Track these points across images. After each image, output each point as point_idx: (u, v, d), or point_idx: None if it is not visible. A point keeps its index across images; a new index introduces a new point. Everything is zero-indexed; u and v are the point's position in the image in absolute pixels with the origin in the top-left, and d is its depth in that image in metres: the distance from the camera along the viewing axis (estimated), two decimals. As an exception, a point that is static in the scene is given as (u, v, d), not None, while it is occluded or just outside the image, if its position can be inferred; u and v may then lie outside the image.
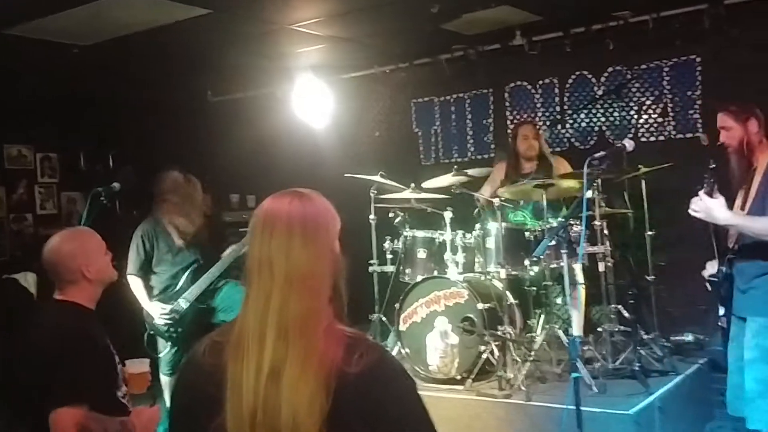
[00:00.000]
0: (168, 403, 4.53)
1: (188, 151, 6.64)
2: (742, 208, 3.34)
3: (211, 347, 1.56)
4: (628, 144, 4.13)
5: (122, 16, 5.06)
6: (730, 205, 3.33)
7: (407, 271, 5.13)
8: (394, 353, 4.86)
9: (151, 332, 4.92)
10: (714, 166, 3.33)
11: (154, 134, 6.85)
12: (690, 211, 3.28)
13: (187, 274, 4.94)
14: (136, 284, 4.90)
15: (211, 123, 7.40)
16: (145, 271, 4.93)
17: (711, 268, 3.54)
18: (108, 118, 6.73)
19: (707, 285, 3.57)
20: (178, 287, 4.92)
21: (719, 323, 3.60)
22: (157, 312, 4.85)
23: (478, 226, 4.97)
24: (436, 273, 4.96)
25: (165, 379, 4.97)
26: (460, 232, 4.99)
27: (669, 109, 5.80)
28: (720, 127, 3.45)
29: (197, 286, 4.91)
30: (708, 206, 3.20)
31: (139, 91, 6.55)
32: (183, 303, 4.88)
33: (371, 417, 1.44)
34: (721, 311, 3.53)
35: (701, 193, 3.24)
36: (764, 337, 3.13)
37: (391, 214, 5.33)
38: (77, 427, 2.51)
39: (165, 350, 4.94)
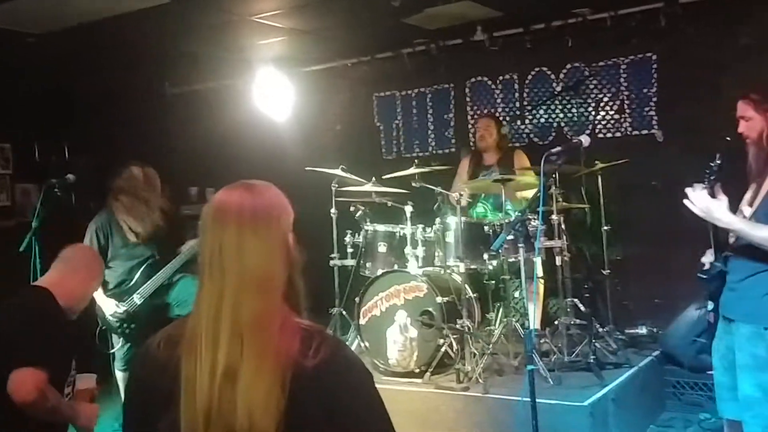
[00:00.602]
0: (122, 398, 4.48)
1: (146, 143, 6.54)
2: (750, 205, 3.18)
3: (165, 340, 1.54)
4: (585, 140, 4.16)
5: (79, 5, 4.96)
6: (740, 198, 3.21)
7: (368, 265, 5.14)
8: (353, 347, 4.87)
9: (104, 327, 4.85)
10: (719, 162, 3.13)
11: (111, 125, 6.72)
12: (685, 201, 3.09)
13: (142, 269, 4.87)
14: None
15: (170, 114, 7.29)
16: None
17: (709, 256, 3.34)
18: (64, 108, 6.59)
19: (699, 277, 3.45)
20: (132, 282, 4.85)
21: (708, 318, 3.52)
22: (110, 308, 4.78)
23: (438, 220, 5.00)
24: (396, 267, 4.98)
25: (120, 375, 4.91)
26: (420, 226, 5.01)
27: (625, 106, 5.91)
28: (739, 116, 3.18)
29: (152, 282, 4.84)
30: (708, 207, 3.05)
31: (95, 82, 6.43)
32: (137, 299, 4.81)
33: (328, 408, 1.44)
34: (710, 306, 3.43)
35: (702, 191, 3.05)
36: (755, 344, 3.05)
37: (352, 208, 5.32)
38: (38, 390, 2.54)
39: (118, 345, 4.87)
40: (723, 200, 3.10)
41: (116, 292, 4.84)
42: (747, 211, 3.17)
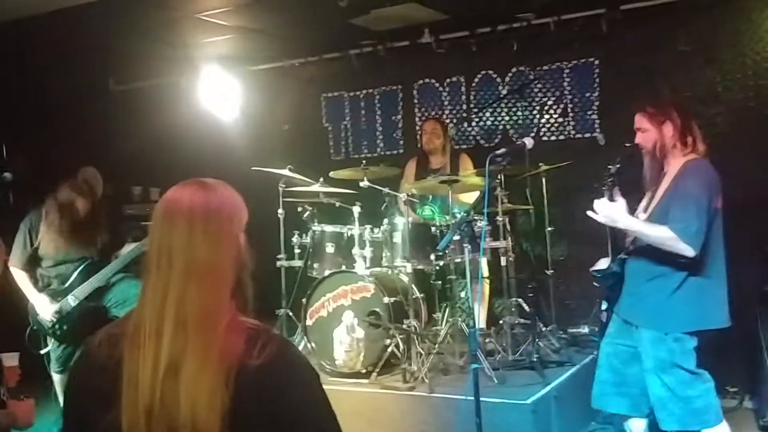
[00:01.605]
0: (61, 401, 4.37)
1: (89, 141, 6.40)
2: (645, 211, 3.37)
3: (106, 340, 1.52)
4: (528, 142, 4.24)
5: (17, -1, 4.83)
6: (637, 206, 3.39)
7: (315, 265, 5.13)
8: (300, 348, 4.85)
9: (35, 327, 4.72)
10: (616, 166, 3.32)
11: (52, 123, 6.55)
12: (589, 212, 3.28)
13: (79, 270, 4.76)
14: (20, 277, 4.70)
15: (114, 112, 7.14)
16: (28, 264, 4.73)
17: (601, 264, 3.57)
18: (1, 105, 6.40)
19: (592, 275, 3.59)
20: (68, 284, 4.74)
21: (600, 317, 3.69)
22: (44, 307, 4.66)
23: (385, 220, 5.03)
24: (344, 267, 4.98)
25: (56, 377, 4.79)
26: (368, 227, 5.03)
27: (569, 110, 6.02)
28: (636, 128, 3.41)
29: (88, 284, 4.73)
30: (609, 212, 3.22)
31: (36, 78, 6.25)
32: (72, 300, 4.70)
33: (273, 407, 1.44)
34: (604, 305, 3.61)
35: (603, 199, 3.24)
36: (658, 348, 3.23)
37: (299, 209, 5.31)
38: None
39: (50, 346, 4.75)
40: (621, 203, 3.26)
41: (50, 292, 4.72)
42: (642, 217, 3.37)
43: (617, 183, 3.29)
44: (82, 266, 4.78)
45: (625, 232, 3.38)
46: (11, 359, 2.87)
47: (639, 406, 3.40)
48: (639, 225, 3.25)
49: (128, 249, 4.83)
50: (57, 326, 4.69)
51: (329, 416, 1.52)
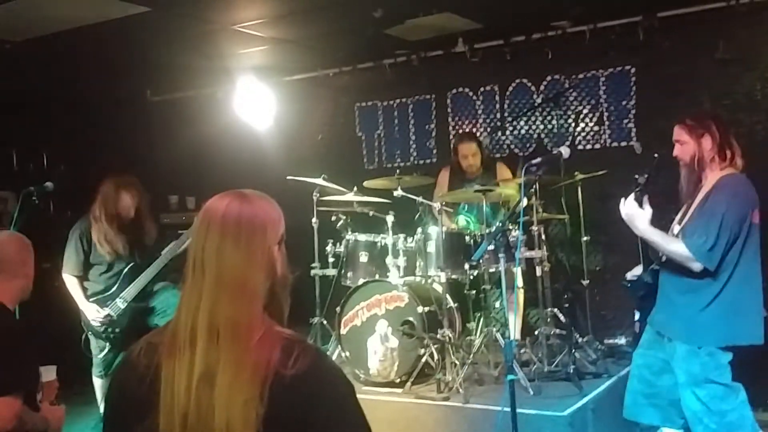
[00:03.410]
0: (101, 405, 4.44)
1: (127, 151, 6.52)
2: (679, 223, 3.36)
3: (145, 349, 1.54)
4: (565, 151, 4.21)
5: (58, 12, 4.93)
6: (672, 219, 3.39)
7: (349, 274, 5.14)
8: (334, 357, 4.86)
9: (89, 333, 4.82)
10: (647, 176, 3.33)
11: (91, 133, 6.69)
12: (620, 206, 3.31)
13: (124, 273, 4.85)
14: (72, 284, 4.80)
15: (151, 123, 7.26)
16: (83, 271, 4.82)
17: (634, 273, 3.57)
18: (43, 116, 6.54)
19: (622, 285, 3.60)
20: (115, 287, 4.83)
21: (634, 328, 3.67)
22: (93, 313, 4.74)
23: (419, 230, 5.02)
24: (377, 276, 4.98)
25: (98, 382, 4.87)
26: (401, 236, 5.02)
27: (605, 118, 5.96)
28: (675, 140, 3.40)
29: (134, 285, 4.82)
30: (631, 214, 3.25)
31: (75, 89, 6.39)
32: (120, 303, 4.79)
33: (306, 418, 1.44)
34: (636, 316, 3.59)
35: (630, 197, 3.27)
36: (690, 362, 3.21)
37: (333, 218, 5.32)
38: (15, 418, 2.53)
39: (105, 351, 4.83)
40: (647, 211, 3.26)
41: (99, 298, 4.81)
42: (676, 229, 3.36)
43: (646, 193, 3.30)
44: (127, 269, 4.86)
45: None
46: (49, 373, 2.91)
47: (671, 417, 3.39)
48: (654, 236, 3.27)
49: (166, 249, 4.90)
50: (109, 330, 4.78)
51: (362, 428, 1.51)
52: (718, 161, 3.29)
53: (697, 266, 3.13)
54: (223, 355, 1.44)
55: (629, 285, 3.56)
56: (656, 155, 3.46)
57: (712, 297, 3.20)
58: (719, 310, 3.20)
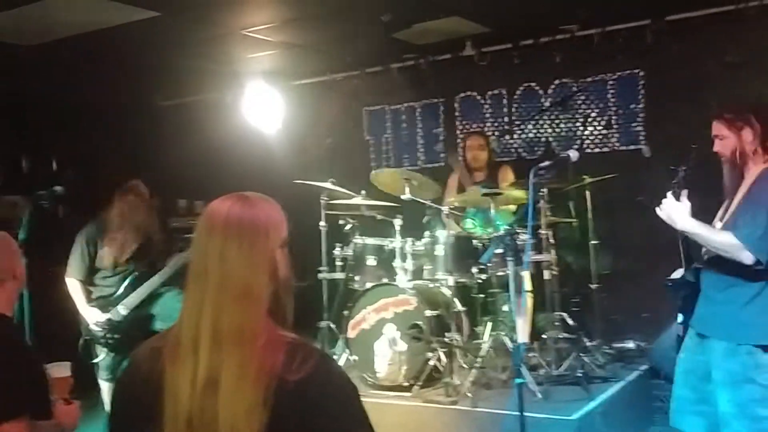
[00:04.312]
0: (107, 409, 4.45)
1: (135, 155, 6.55)
2: (721, 219, 3.24)
3: (149, 353, 1.55)
4: (573, 154, 4.17)
5: (69, 17, 4.96)
6: (714, 214, 3.26)
7: (356, 278, 5.14)
8: (342, 361, 4.86)
9: (87, 338, 4.82)
10: (684, 168, 3.21)
11: (100, 137, 6.72)
12: (657, 209, 3.17)
13: (128, 280, 4.85)
14: (75, 288, 4.80)
15: (160, 127, 7.29)
16: (86, 275, 4.83)
17: (677, 274, 3.42)
18: (52, 120, 6.58)
19: (665, 285, 3.44)
20: (118, 293, 4.83)
21: (677, 331, 3.54)
22: (93, 319, 4.75)
23: (427, 233, 5.01)
24: (385, 280, 4.98)
25: (104, 385, 4.87)
26: (409, 240, 5.02)
27: (613, 122, 5.95)
28: (714, 135, 3.26)
29: (137, 293, 4.82)
30: (670, 209, 3.12)
31: (85, 93, 6.42)
32: (122, 310, 4.79)
33: (312, 423, 1.44)
34: (679, 319, 3.46)
35: (670, 197, 3.13)
36: (729, 361, 3.08)
37: (341, 221, 5.32)
38: None
39: (102, 356, 4.84)
40: (686, 205, 3.13)
41: (102, 303, 4.82)
42: (718, 225, 3.23)
43: (684, 187, 3.16)
44: (132, 276, 4.87)
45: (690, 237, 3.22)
46: (63, 369, 2.88)
47: (716, 427, 3.18)
48: (699, 228, 3.11)
49: (173, 260, 4.91)
50: (109, 336, 4.78)
51: (368, 426, 1.51)
52: (761, 153, 3.16)
53: (747, 256, 2.96)
54: (227, 360, 1.43)
55: (671, 285, 3.45)
56: (694, 146, 3.32)
57: (754, 293, 3.06)
58: (760, 306, 3.06)
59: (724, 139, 3.22)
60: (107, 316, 4.77)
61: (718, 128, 3.25)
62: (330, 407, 1.46)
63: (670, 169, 3.23)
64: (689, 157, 3.28)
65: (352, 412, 1.50)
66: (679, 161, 3.35)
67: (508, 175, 5.63)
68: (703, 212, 3.24)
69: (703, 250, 3.28)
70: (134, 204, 4.88)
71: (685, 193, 3.16)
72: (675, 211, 3.12)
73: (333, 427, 1.46)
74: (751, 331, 3.08)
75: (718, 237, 3.07)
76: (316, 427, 1.44)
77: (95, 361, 4.84)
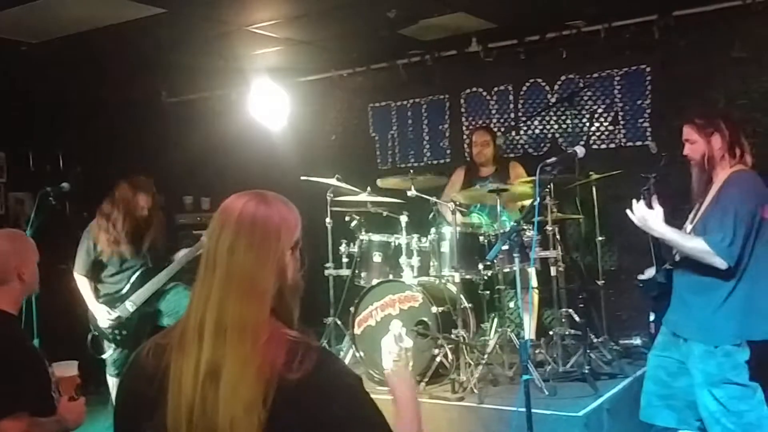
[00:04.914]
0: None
1: (142, 152, 6.55)
2: (691, 222, 3.35)
3: (154, 349, 1.55)
4: (579, 151, 4.18)
5: (74, 14, 4.96)
6: (686, 218, 3.37)
7: (363, 274, 5.14)
8: (348, 357, 4.87)
9: (96, 333, 4.84)
10: (655, 175, 3.33)
11: (107, 134, 6.73)
12: (628, 212, 3.29)
13: (135, 276, 4.87)
14: (83, 284, 4.82)
15: (166, 124, 7.30)
16: (93, 271, 4.84)
17: (648, 273, 3.55)
18: (58, 117, 6.60)
19: (637, 285, 3.58)
20: (125, 290, 4.85)
21: (649, 329, 3.65)
22: (102, 315, 4.77)
23: (433, 230, 5.01)
24: (391, 277, 4.98)
25: (112, 381, 4.90)
26: (415, 236, 5.02)
27: (620, 118, 5.93)
28: (684, 139, 3.39)
29: (145, 289, 4.84)
30: (644, 216, 3.22)
31: (91, 90, 6.44)
32: (129, 306, 4.81)
33: (318, 419, 1.44)
34: (652, 317, 3.57)
35: (641, 203, 3.24)
36: (706, 363, 3.19)
37: (347, 218, 5.32)
38: None
39: (110, 351, 4.86)
40: (658, 211, 3.23)
41: (110, 299, 4.84)
42: (689, 228, 3.34)
43: (654, 192, 3.28)
44: (139, 272, 4.88)
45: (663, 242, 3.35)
46: (70, 368, 2.89)
47: (687, 420, 3.36)
48: (673, 234, 3.23)
49: (180, 254, 4.92)
50: (117, 332, 4.80)
51: (377, 416, 1.50)
52: (728, 159, 3.28)
53: (719, 261, 3.10)
54: (230, 352, 1.44)
55: (642, 285, 3.54)
56: (663, 154, 3.46)
57: (726, 295, 3.18)
58: (733, 307, 3.18)
59: (694, 144, 3.34)
60: (116, 313, 4.79)
61: (688, 133, 3.37)
62: (336, 402, 1.46)
63: (641, 176, 3.33)
64: (659, 164, 3.38)
65: (359, 402, 1.50)
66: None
67: (518, 171, 5.62)
68: (677, 215, 3.34)
69: (674, 251, 3.38)
70: (141, 200, 4.88)
71: (655, 198, 3.26)
72: (650, 218, 3.21)
73: (343, 419, 1.46)
74: (726, 332, 3.20)
75: (690, 243, 3.19)
76: (325, 423, 1.44)
77: (104, 356, 4.87)
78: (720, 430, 3.16)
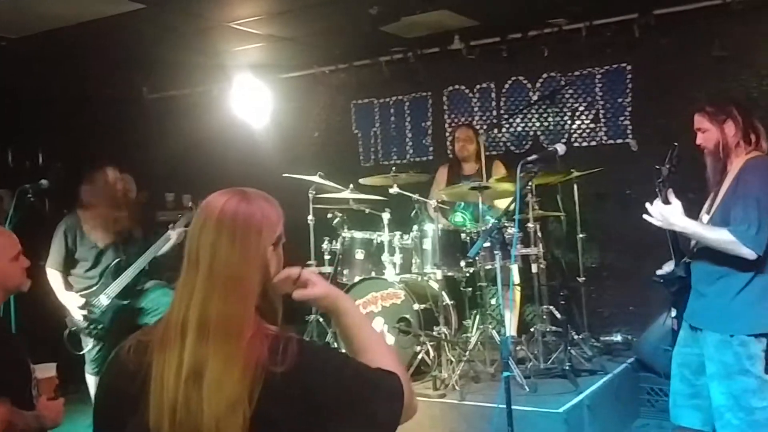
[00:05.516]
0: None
1: (123, 149, 6.49)
2: (708, 212, 3.25)
3: (135, 346, 1.54)
4: (560, 148, 4.15)
5: (54, 9, 4.91)
6: (701, 207, 3.29)
7: (345, 271, 5.14)
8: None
9: (73, 329, 4.80)
10: (666, 167, 3.20)
11: (87, 131, 6.67)
12: (645, 216, 3.19)
13: (109, 270, 4.83)
14: (54, 278, 4.78)
15: (147, 120, 7.25)
16: (67, 266, 4.81)
17: (666, 268, 3.43)
18: (38, 113, 6.53)
19: (653, 281, 3.46)
20: (99, 284, 4.81)
21: (671, 326, 3.54)
22: (74, 306, 4.73)
23: (415, 227, 5.02)
24: (373, 274, 4.98)
25: (91, 379, 4.86)
26: (397, 234, 5.02)
27: (601, 116, 5.97)
28: (696, 128, 3.26)
29: (119, 281, 4.80)
30: (664, 214, 3.13)
31: (71, 86, 6.38)
32: (104, 299, 4.77)
33: (313, 405, 1.44)
34: (673, 313, 3.45)
35: (657, 202, 3.15)
36: (723, 353, 3.10)
37: (329, 215, 5.32)
38: (4, 424, 2.48)
39: (88, 348, 4.82)
40: (676, 205, 3.14)
41: (84, 294, 4.80)
42: (705, 218, 3.25)
43: (669, 184, 3.17)
44: (112, 265, 4.84)
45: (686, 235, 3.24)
46: (48, 370, 2.88)
47: (711, 421, 3.20)
48: (697, 227, 3.14)
49: (156, 244, 4.88)
50: (92, 326, 4.76)
51: (367, 389, 1.50)
52: (743, 146, 3.17)
53: (746, 252, 2.98)
54: (213, 351, 1.44)
55: (661, 281, 3.45)
56: (675, 144, 3.33)
57: (744, 283, 3.09)
58: (751, 297, 3.08)
59: (707, 132, 3.24)
60: (90, 306, 4.75)
61: (700, 121, 3.27)
62: (328, 383, 1.46)
63: (655, 168, 3.23)
64: (672, 155, 3.28)
65: (351, 375, 1.50)
66: (664, 157, 3.36)
67: (500, 170, 5.64)
68: (690, 206, 3.27)
69: (692, 242, 3.30)
70: (103, 188, 4.84)
71: (671, 192, 3.16)
72: (669, 213, 3.12)
73: (341, 397, 1.46)
74: (743, 322, 3.10)
75: (715, 235, 3.08)
76: (322, 407, 1.44)
77: (82, 352, 4.82)
78: (723, 425, 3.07)
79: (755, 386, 3.07)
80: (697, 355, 3.25)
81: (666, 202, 3.16)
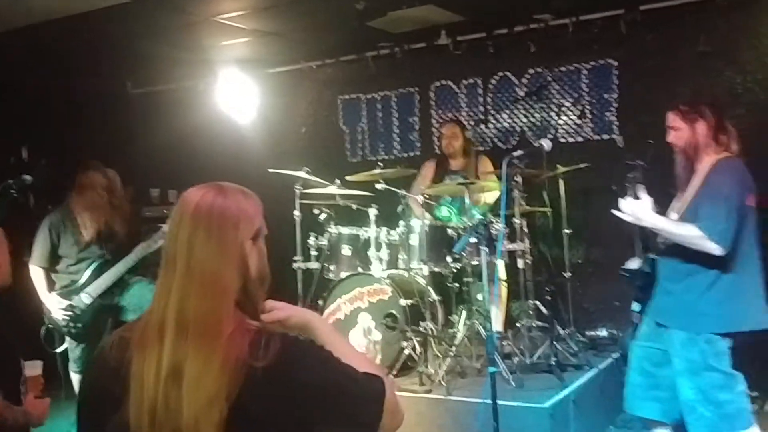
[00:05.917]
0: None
1: (108, 144, 6.45)
2: (677, 211, 3.29)
3: (117, 343, 1.53)
4: (546, 144, 4.19)
5: (39, 3, 4.88)
6: (668, 205, 3.33)
7: (331, 267, 5.13)
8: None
9: (50, 326, 4.77)
10: (641, 163, 3.26)
11: (71, 126, 6.61)
12: (614, 211, 3.22)
13: (92, 268, 4.80)
14: (37, 275, 4.75)
15: (132, 115, 7.20)
16: (50, 263, 4.77)
17: (632, 264, 3.49)
18: (22, 108, 6.46)
19: (623, 277, 3.50)
20: (82, 282, 4.77)
21: (633, 319, 3.60)
22: (54, 306, 4.70)
23: (402, 223, 5.01)
24: (360, 269, 4.98)
25: (75, 377, 4.83)
26: (384, 229, 5.01)
27: (587, 111, 5.98)
28: (668, 126, 3.31)
29: (101, 280, 4.77)
30: (633, 209, 3.17)
31: (55, 81, 6.32)
32: (85, 298, 4.73)
33: (289, 403, 1.43)
34: (636, 307, 3.50)
35: (627, 198, 3.19)
36: (689, 350, 3.14)
37: (316, 211, 5.30)
38: None
39: (65, 346, 4.78)
40: (646, 200, 3.19)
41: (66, 292, 4.76)
42: (674, 216, 3.28)
43: (641, 181, 3.23)
44: (96, 263, 4.81)
45: (655, 231, 3.29)
46: (35, 368, 2.87)
47: (670, 412, 3.29)
48: (665, 223, 3.18)
49: (140, 246, 4.85)
50: (71, 325, 4.73)
51: (351, 383, 1.49)
52: (713, 146, 3.21)
53: (713, 247, 3.02)
54: (192, 349, 1.43)
55: (628, 275, 3.49)
56: (650, 141, 3.37)
57: (711, 282, 3.13)
58: (718, 295, 3.12)
59: (679, 131, 3.28)
60: (70, 304, 4.72)
61: (673, 119, 3.30)
62: (311, 376, 1.45)
63: (626, 163, 3.26)
64: (646, 152, 3.32)
65: (333, 368, 1.49)
66: (653, 153, 3.38)
67: (487, 165, 5.65)
68: (666, 203, 3.30)
69: (660, 239, 3.34)
70: (90, 185, 4.82)
71: (643, 188, 3.21)
72: (639, 209, 3.17)
73: (326, 389, 1.45)
74: (709, 321, 3.14)
75: (683, 230, 3.13)
76: (307, 399, 1.43)
77: (58, 350, 4.78)
78: (695, 419, 3.12)
79: (722, 382, 3.13)
80: (659, 350, 3.31)
81: (636, 198, 3.20)
